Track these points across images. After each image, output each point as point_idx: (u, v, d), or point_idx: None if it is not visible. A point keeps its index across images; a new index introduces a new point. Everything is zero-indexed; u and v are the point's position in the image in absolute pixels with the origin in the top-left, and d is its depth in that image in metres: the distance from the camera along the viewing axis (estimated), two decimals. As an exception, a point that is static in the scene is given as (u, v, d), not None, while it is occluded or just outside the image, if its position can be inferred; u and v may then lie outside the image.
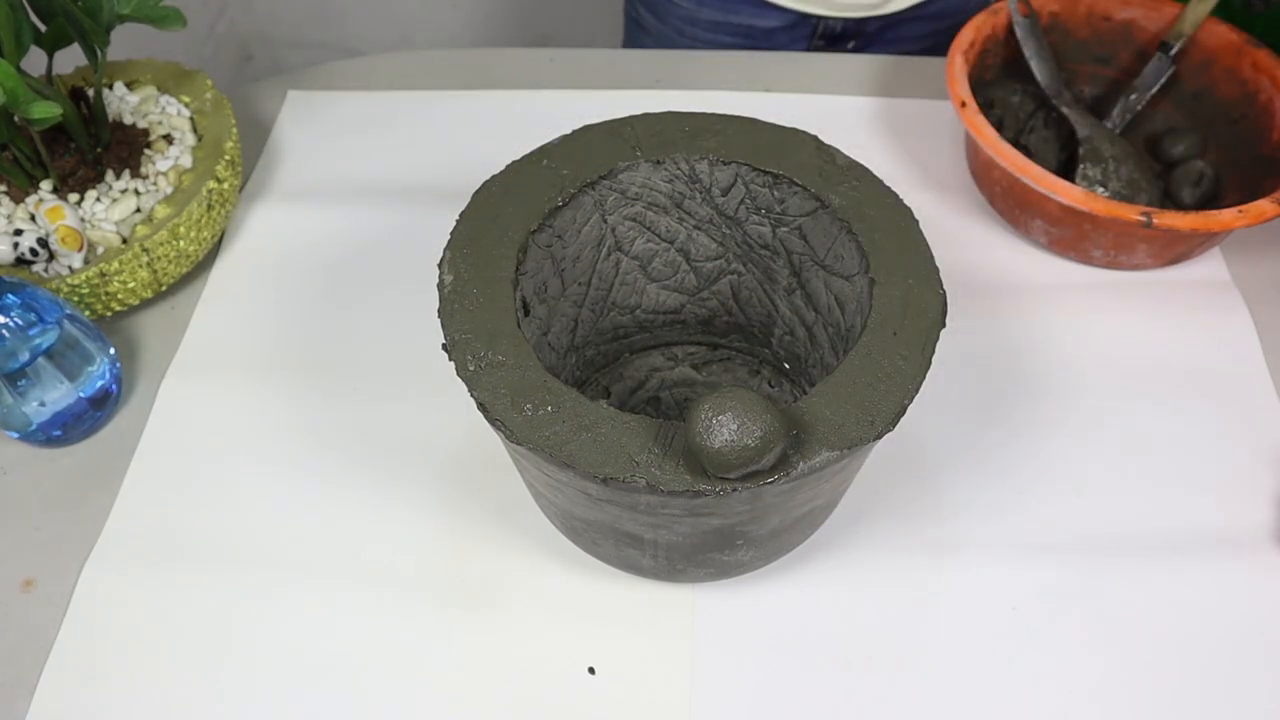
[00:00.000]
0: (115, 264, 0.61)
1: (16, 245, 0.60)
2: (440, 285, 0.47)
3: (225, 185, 0.66)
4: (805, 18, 0.88)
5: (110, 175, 0.64)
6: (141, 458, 0.60)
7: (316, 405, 0.62)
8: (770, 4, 0.86)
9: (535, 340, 0.52)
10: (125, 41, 0.69)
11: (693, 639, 0.53)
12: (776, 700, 0.51)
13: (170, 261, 0.64)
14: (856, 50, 0.91)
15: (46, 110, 0.56)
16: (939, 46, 0.83)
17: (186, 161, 0.66)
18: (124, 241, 0.62)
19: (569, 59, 0.83)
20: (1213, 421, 0.61)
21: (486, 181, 0.51)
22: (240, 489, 0.58)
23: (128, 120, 0.68)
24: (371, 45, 1.59)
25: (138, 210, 0.63)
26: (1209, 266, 0.69)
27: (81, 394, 0.58)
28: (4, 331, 0.54)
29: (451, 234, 0.49)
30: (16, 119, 0.60)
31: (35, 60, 0.61)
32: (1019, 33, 0.71)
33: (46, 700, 0.51)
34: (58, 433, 0.59)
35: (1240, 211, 0.61)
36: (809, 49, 0.90)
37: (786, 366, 0.60)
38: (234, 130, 0.68)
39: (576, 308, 0.56)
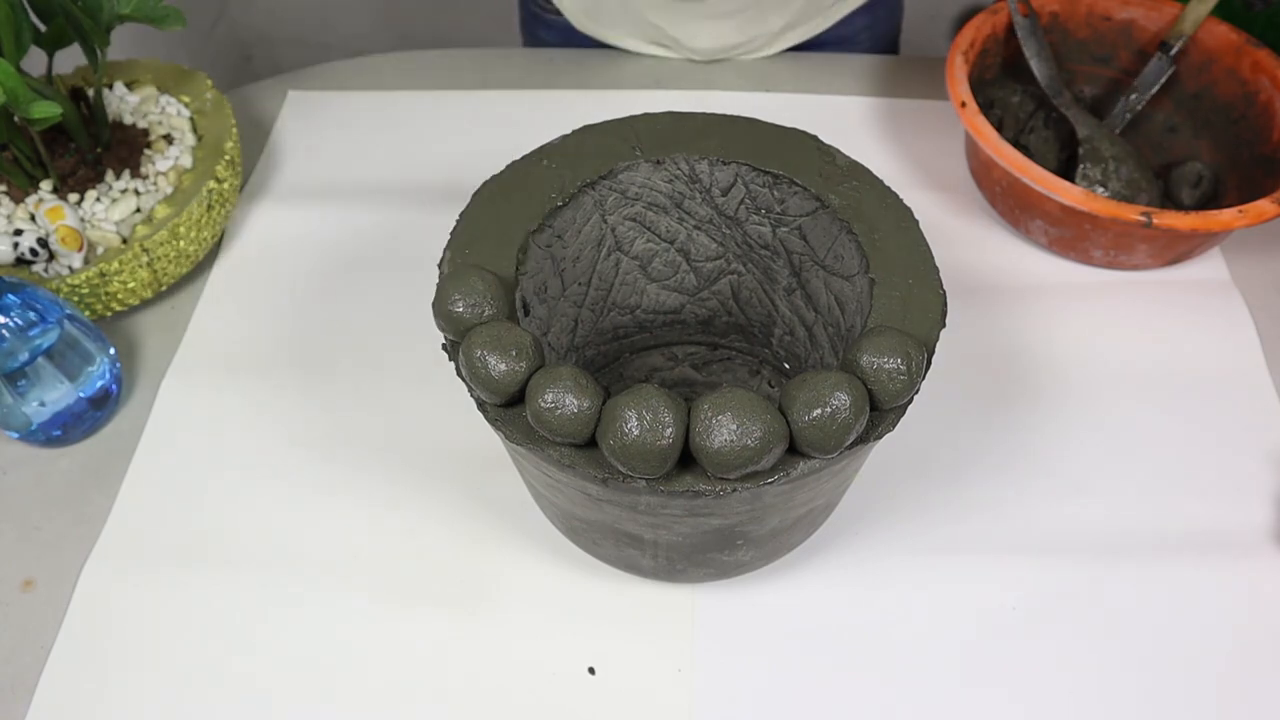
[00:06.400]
0: (115, 264, 0.61)
1: (16, 245, 0.60)
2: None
3: (225, 185, 0.66)
4: None
5: (110, 175, 0.64)
6: (141, 458, 0.60)
7: (316, 405, 0.62)
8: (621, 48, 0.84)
9: (535, 340, 0.52)
10: (125, 41, 0.69)
11: (693, 639, 0.53)
12: (777, 700, 0.51)
13: (170, 261, 0.64)
14: None
15: (46, 110, 0.56)
16: None
17: (186, 161, 0.66)
18: (124, 241, 0.62)
19: (569, 59, 0.83)
20: (1213, 421, 0.61)
21: (486, 181, 0.51)
22: (240, 489, 0.58)
23: (128, 120, 0.68)
24: (371, 45, 1.59)
25: (138, 210, 0.63)
26: (1209, 266, 0.69)
27: (81, 394, 0.58)
28: (4, 331, 0.54)
29: (451, 234, 0.49)
30: (16, 119, 0.60)
31: (35, 60, 0.61)
32: (1019, 33, 0.71)
33: (46, 700, 0.51)
34: (58, 433, 0.59)
35: (1240, 211, 0.61)
36: None
37: (786, 366, 0.60)
38: (234, 130, 0.68)
39: (576, 308, 0.56)
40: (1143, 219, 0.60)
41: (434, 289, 0.45)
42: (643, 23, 0.80)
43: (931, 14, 1.48)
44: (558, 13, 0.85)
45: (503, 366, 0.41)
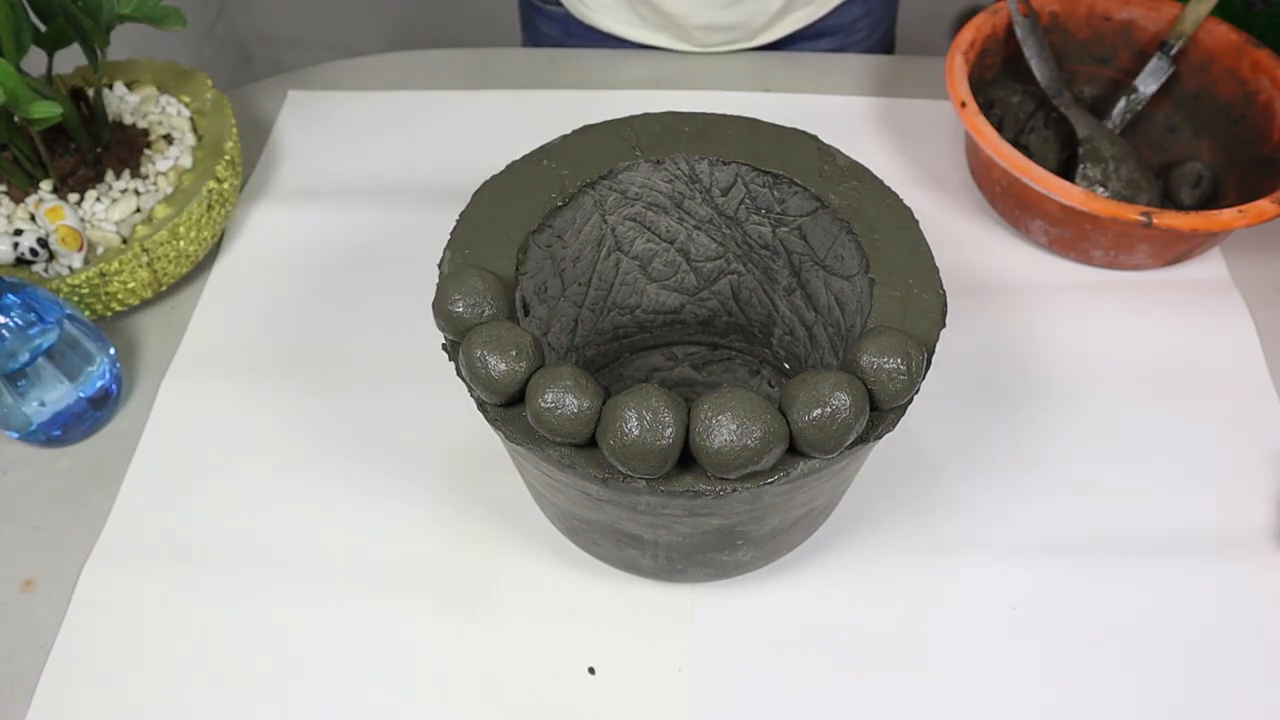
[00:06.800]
0: (115, 264, 0.61)
1: (16, 245, 0.60)
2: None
3: (225, 185, 0.66)
4: None
5: (110, 175, 0.64)
6: (141, 458, 0.60)
7: (316, 405, 0.62)
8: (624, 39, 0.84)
9: (535, 340, 0.52)
10: (125, 41, 0.69)
11: (693, 639, 0.53)
12: (777, 700, 0.51)
13: (170, 261, 0.64)
14: None
15: (46, 110, 0.56)
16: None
17: (186, 161, 0.66)
18: (124, 241, 0.62)
19: (569, 59, 0.83)
20: (1213, 421, 0.61)
21: (486, 181, 0.51)
22: (240, 489, 0.58)
23: (128, 120, 0.68)
24: (371, 45, 1.59)
25: (138, 210, 0.63)
26: (1209, 266, 0.69)
27: (81, 394, 0.58)
28: (4, 331, 0.54)
29: (451, 234, 0.49)
30: (16, 119, 0.60)
31: (35, 60, 0.61)
32: (1019, 33, 0.71)
33: (46, 700, 0.51)
34: (58, 433, 0.59)
35: (1240, 211, 0.61)
36: None
37: (786, 366, 0.60)
38: (234, 130, 0.68)
39: (576, 308, 0.56)
40: (1143, 219, 0.60)
41: (434, 289, 0.45)
42: (638, 1, 0.80)
43: (931, 14, 1.48)
44: (557, 3, 0.85)
45: (503, 366, 0.41)
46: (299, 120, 0.79)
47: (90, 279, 0.61)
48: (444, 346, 0.45)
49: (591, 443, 0.41)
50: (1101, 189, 0.69)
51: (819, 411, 0.39)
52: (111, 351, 0.61)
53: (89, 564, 0.56)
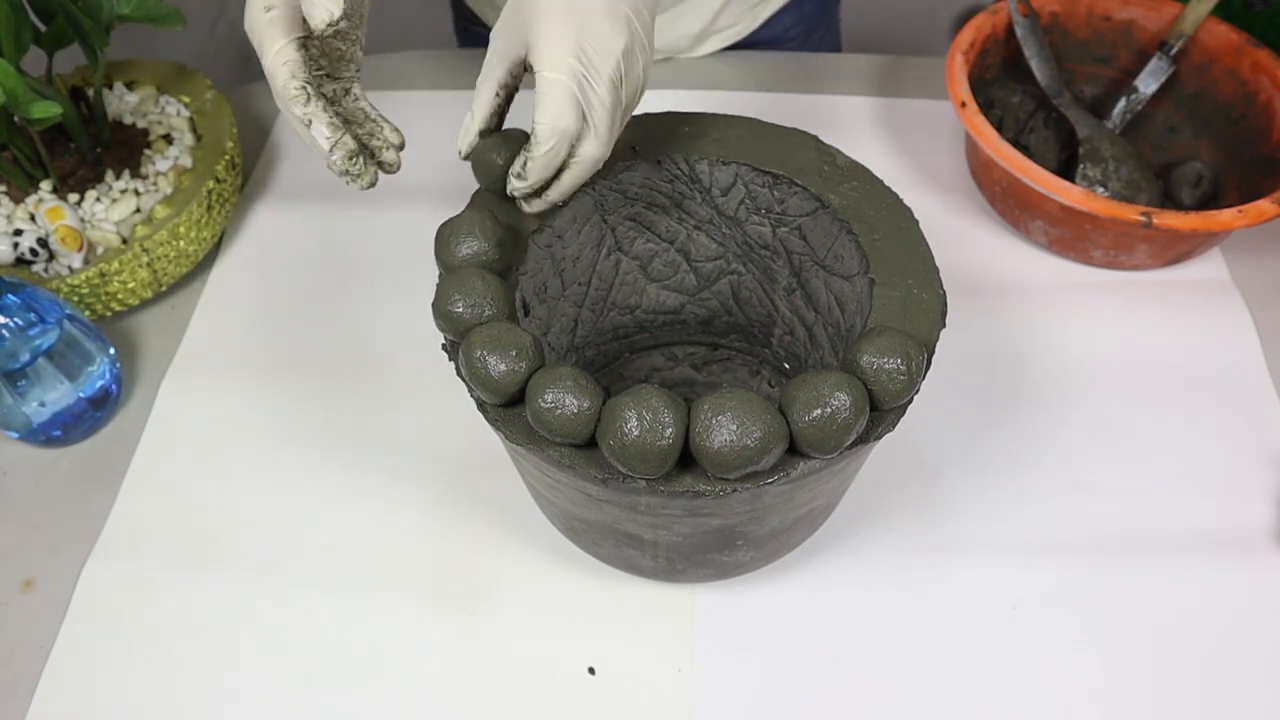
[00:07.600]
0: (115, 264, 0.61)
1: (16, 245, 0.60)
2: (440, 285, 0.47)
3: (225, 185, 0.66)
4: None
5: (110, 175, 0.64)
6: (141, 458, 0.60)
7: (316, 405, 0.62)
8: None
9: (535, 340, 0.52)
10: (125, 41, 0.69)
11: (693, 639, 0.53)
12: (777, 700, 0.51)
13: (170, 261, 0.64)
14: None
15: (46, 110, 0.56)
16: None
17: (186, 161, 0.66)
18: (124, 241, 0.62)
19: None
20: (1213, 421, 0.61)
21: (487, 181, 0.50)
22: (240, 489, 0.58)
23: (127, 120, 0.68)
24: (371, 45, 1.59)
25: (137, 210, 0.63)
26: (1209, 266, 0.69)
27: (81, 394, 0.58)
28: (4, 331, 0.54)
29: (451, 234, 0.48)
30: (16, 119, 0.60)
31: (35, 60, 0.61)
32: (1019, 33, 0.71)
33: (46, 700, 0.51)
34: (58, 433, 0.59)
35: (1240, 211, 0.61)
36: None
37: (786, 366, 0.60)
38: (234, 130, 0.68)
39: (576, 308, 0.56)
40: (1143, 219, 0.60)
41: (434, 289, 0.45)
42: None
43: (931, 14, 1.48)
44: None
45: (503, 367, 0.41)
46: (299, 120, 0.79)
47: (90, 279, 0.61)
48: (444, 346, 0.45)
49: (591, 443, 0.41)
50: (1101, 189, 0.69)
51: (819, 412, 0.39)
52: (111, 351, 0.61)
53: (89, 564, 0.56)
